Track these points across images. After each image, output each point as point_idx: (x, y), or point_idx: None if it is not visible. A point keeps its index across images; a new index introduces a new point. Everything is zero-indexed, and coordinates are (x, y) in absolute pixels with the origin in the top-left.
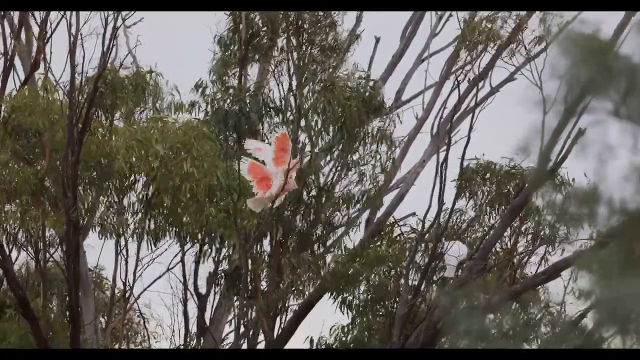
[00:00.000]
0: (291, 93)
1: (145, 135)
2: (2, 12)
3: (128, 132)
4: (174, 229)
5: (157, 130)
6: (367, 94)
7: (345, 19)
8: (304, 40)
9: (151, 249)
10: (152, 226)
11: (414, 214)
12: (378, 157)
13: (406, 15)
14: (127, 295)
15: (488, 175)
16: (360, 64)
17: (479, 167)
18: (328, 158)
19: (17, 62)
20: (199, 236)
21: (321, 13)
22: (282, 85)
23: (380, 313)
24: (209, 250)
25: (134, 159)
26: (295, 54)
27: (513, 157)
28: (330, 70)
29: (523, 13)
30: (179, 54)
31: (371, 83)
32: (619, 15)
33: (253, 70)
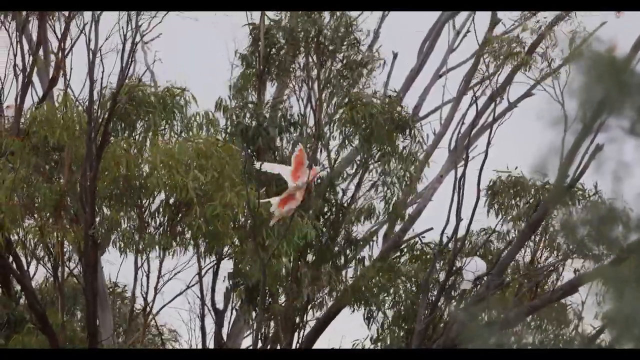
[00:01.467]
0: (311, 108)
1: (180, 155)
2: (20, 28)
3: (163, 150)
4: (189, 243)
5: (192, 151)
6: (396, 113)
7: (364, 35)
8: (324, 57)
9: (165, 256)
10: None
11: (431, 229)
12: (403, 173)
13: (424, 30)
14: (147, 310)
15: (515, 189)
16: (390, 83)
17: (505, 181)
18: (350, 171)
19: (34, 78)
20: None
21: (342, 29)
22: (302, 100)
23: (404, 327)
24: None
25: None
26: (315, 71)
27: (536, 172)
28: (354, 86)
29: (542, 23)
30: (197, 68)
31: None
32: (636, 31)
33: (273, 87)
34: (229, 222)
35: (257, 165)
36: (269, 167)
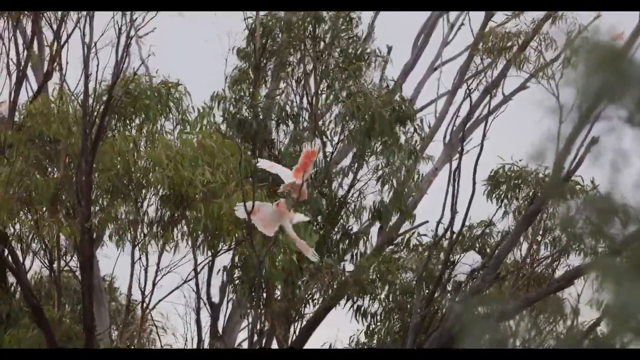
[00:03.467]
0: (307, 101)
1: (185, 149)
2: (15, 23)
3: (165, 144)
4: (188, 238)
5: (196, 145)
6: (396, 103)
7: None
8: (321, 51)
9: (161, 256)
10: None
11: (427, 222)
12: (405, 169)
13: (418, 24)
14: (144, 305)
15: (517, 181)
16: (389, 75)
17: (506, 172)
18: (348, 163)
19: (29, 73)
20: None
21: (339, 22)
22: (298, 95)
23: (397, 321)
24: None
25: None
26: (311, 64)
27: (532, 163)
28: (352, 78)
29: (536, 18)
30: (191, 62)
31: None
32: (634, 20)
33: (269, 81)
34: (231, 220)
35: (255, 161)
36: (267, 165)
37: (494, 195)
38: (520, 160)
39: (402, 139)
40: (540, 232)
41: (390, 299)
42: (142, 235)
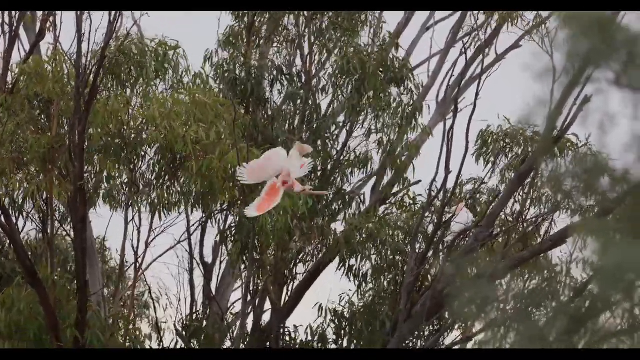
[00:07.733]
0: (301, 60)
1: (177, 105)
2: None
3: (158, 102)
4: (182, 198)
5: (188, 102)
6: (390, 62)
7: None
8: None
9: (160, 218)
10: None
11: (420, 181)
12: (398, 128)
13: None
14: (137, 265)
15: (507, 140)
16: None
17: (495, 132)
18: (342, 120)
19: (22, 33)
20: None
21: None
22: (292, 55)
23: (389, 280)
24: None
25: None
26: (304, 23)
27: (524, 123)
28: (347, 37)
29: None
30: (184, 21)
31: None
32: None
33: (262, 41)
34: (224, 178)
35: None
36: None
37: (482, 157)
38: (505, 119)
39: (396, 100)
40: (532, 191)
41: (383, 257)
42: (135, 194)
